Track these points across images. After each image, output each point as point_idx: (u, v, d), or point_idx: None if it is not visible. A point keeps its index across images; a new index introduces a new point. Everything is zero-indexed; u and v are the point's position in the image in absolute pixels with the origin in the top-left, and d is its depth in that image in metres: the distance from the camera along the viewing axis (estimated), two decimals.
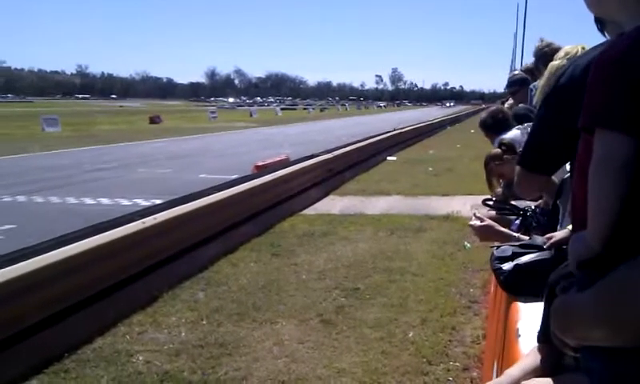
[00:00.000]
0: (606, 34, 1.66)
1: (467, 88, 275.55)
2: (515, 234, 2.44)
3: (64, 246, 4.89)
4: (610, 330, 0.86)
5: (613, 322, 0.85)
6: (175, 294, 5.84)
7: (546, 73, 2.18)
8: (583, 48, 2.18)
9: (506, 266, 1.88)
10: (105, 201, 11.30)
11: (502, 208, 2.77)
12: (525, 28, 27.52)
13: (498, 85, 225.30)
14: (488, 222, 2.60)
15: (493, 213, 2.82)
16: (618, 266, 0.84)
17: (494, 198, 3.07)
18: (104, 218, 7.35)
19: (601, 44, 1.57)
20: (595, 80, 0.91)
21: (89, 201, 11.32)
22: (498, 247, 2.02)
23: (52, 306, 4.54)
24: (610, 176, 0.88)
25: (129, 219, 6.03)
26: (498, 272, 1.92)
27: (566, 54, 2.18)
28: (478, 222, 2.63)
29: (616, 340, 0.86)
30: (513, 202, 2.81)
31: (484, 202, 3.06)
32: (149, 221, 5.93)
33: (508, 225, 2.54)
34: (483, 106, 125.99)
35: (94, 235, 5.23)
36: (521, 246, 1.92)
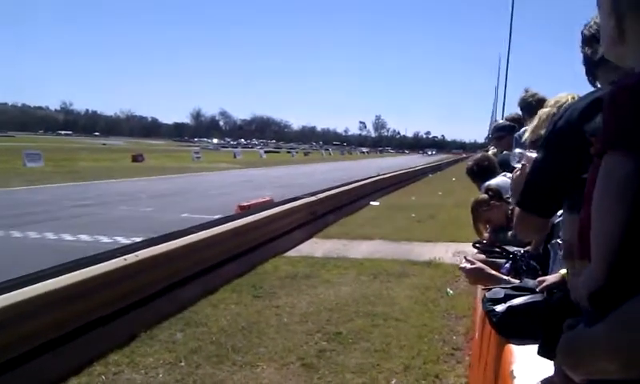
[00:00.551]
0: (598, 84, 1.72)
1: (449, 137, 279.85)
2: (505, 277, 2.44)
3: (41, 281, 4.78)
4: (623, 363, 0.84)
5: (627, 354, 0.83)
6: (154, 334, 5.70)
7: (536, 119, 2.24)
8: (573, 97, 2.25)
9: (499, 308, 1.87)
10: (84, 237, 11.12)
11: (492, 251, 2.78)
12: (506, 82, 28.32)
13: (479, 135, 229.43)
14: (479, 264, 2.60)
15: (482, 256, 2.82)
16: (630, 298, 0.83)
17: (483, 241, 3.08)
18: (82, 254, 7.22)
19: (594, 91, 1.62)
20: (609, 109, 0.95)
21: (68, 237, 11.13)
22: (490, 289, 2.01)
23: (27, 342, 4.40)
24: (613, 195, 0.90)
25: (110, 255, 5.92)
26: (490, 314, 1.90)
27: (556, 102, 2.25)
28: (468, 265, 2.63)
29: (630, 372, 0.84)
30: (502, 246, 2.82)
31: (474, 245, 3.07)
32: (130, 258, 5.84)
33: (498, 268, 2.54)
34: (464, 155, 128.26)
35: (74, 271, 5.12)
36: (513, 289, 1.92)
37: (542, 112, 2.23)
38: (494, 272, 2.54)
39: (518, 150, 2.27)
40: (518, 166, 2.12)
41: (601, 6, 1.10)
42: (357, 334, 5.84)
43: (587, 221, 0.98)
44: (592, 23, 1.62)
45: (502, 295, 1.90)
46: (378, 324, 6.13)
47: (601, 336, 0.88)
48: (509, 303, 1.85)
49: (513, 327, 1.80)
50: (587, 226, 0.98)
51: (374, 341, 5.66)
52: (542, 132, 2.14)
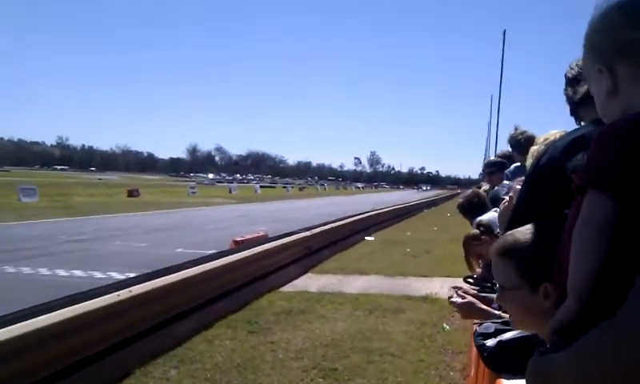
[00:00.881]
0: (582, 122, 1.79)
1: (443, 173, 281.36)
2: (497, 312, 2.45)
3: (33, 317, 4.74)
4: None
5: (588, 381, 0.87)
6: (147, 371, 5.64)
7: (529, 158, 2.30)
8: (562, 134, 2.31)
9: (490, 343, 1.88)
10: (78, 273, 11.05)
11: (484, 286, 2.79)
12: (499, 118, 28.74)
13: (473, 171, 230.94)
14: (470, 299, 2.61)
15: (474, 291, 2.83)
16: (593, 327, 0.86)
17: (475, 276, 3.09)
18: (76, 290, 7.18)
19: (577, 129, 1.67)
20: (595, 146, 0.99)
21: (62, 272, 11.06)
22: (481, 324, 2.02)
23: (18, 379, 4.34)
24: (592, 233, 0.94)
25: (103, 291, 5.88)
26: (481, 348, 1.91)
27: (545, 139, 2.31)
28: (459, 299, 2.64)
29: None
30: (493, 281, 2.83)
31: (465, 280, 3.09)
32: (124, 293, 5.80)
33: (489, 303, 2.54)
34: (459, 190, 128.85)
35: (68, 306, 5.08)
36: (504, 323, 1.93)
37: (533, 149, 2.29)
38: (485, 306, 2.55)
39: (506, 182, 2.32)
40: (506, 198, 2.16)
41: (589, 66, 1.14)
42: (353, 370, 5.79)
43: (565, 254, 1.02)
44: (574, 65, 1.68)
45: (493, 330, 1.91)
46: (374, 360, 6.09)
47: (565, 362, 0.92)
48: (499, 338, 1.86)
49: (504, 362, 1.81)
50: (565, 259, 1.02)
51: (370, 377, 5.61)
52: None
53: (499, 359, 1.84)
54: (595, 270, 0.93)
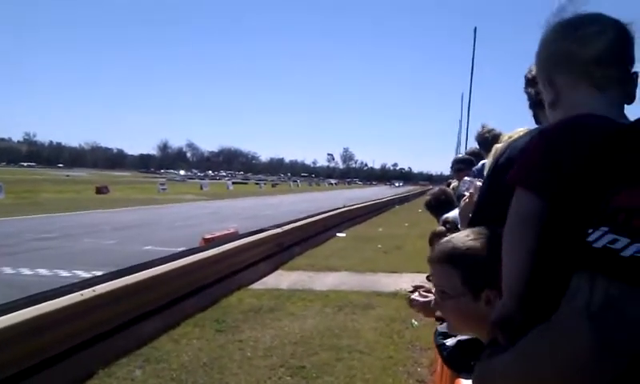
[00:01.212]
0: (541, 121, 1.79)
1: (415, 169, 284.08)
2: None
3: None
4: None
5: (531, 381, 0.88)
6: (111, 372, 5.54)
7: (491, 155, 2.31)
8: (526, 133, 2.32)
9: (449, 342, 1.86)
10: (43, 271, 10.80)
11: None
12: (469, 115, 28.99)
13: (445, 167, 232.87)
14: (430, 297, 2.59)
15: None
16: (534, 327, 0.88)
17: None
18: (39, 289, 7.01)
19: (535, 129, 1.67)
20: (528, 147, 1.06)
21: (26, 271, 10.80)
22: (442, 322, 2.01)
23: None
24: (520, 229, 1.00)
25: (67, 291, 5.74)
26: (441, 348, 1.90)
27: (510, 137, 2.32)
28: (420, 298, 2.62)
29: None
30: None
31: (428, 278, 3.07)
32: (87, 293, 5.67)
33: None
34: (430, 186, 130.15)
35: (27, 307, 4.94)
36: None
37: (496, 147, 2.30)
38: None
39: (467, 178, 2.32)
40: (466, 194, 2.15)
41: (539, 78, 1.22)
42: (321, 367, 5.77)
43: None
44: (532, 67, 1.68)
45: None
46: (343, 357, 6.08)
47: (507, 364, 0.94)
48: (458, 337, 1.84)
49: (462, 361, 1.79)
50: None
51: (338, 375, 5.60)
52: None
53: (458, 359, 1.83)
54: (524, 265, 0.98)
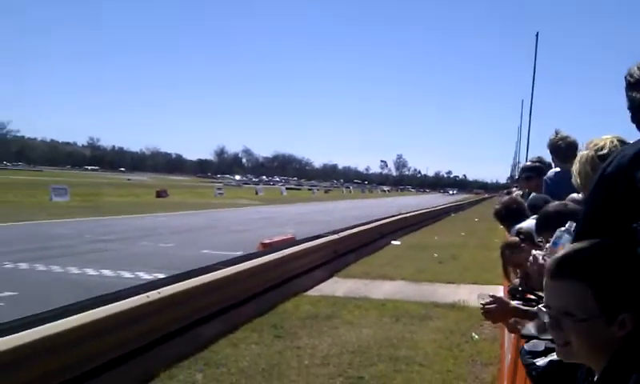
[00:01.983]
0: None
1: (470, 177, 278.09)
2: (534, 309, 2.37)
3: (65, 317, 4.78)
4: None
5: None
6: (172, 374, 5.64)
7: (576, 163, 2.23)
8: (612, 141, 2.21)
9: (540, 362, 1.78)
10: (107, 272, 11.18)
11: (529, 299, 2.67)
12: (530, 123, 28.20)
13: (500, 175, 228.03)
14: (500, 298, 2.52)
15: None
16: None
17: (519, 288, 2.97)
18: (105, 290, 7.25)
19: None
20: None
21: (91, 271, 11.21)
22: (528, 340, 1.93)
23: (46, 380, 4.37)
24: None
25: (133, 292, 5.92)
26: (530, 367, 1.82)
27: (595, 145, 2.22)
28: (490, 303, 2.54)
29: None
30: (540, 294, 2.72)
31: (510, 292, 2.97)
32: (153, 295, 5.82)
33: (534, 318, 2.44)
34: (486, 195, 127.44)
35: (97, 307, 5.12)
36: (553, 341, 1.83)
37: (582, 155, 2.21)
38: (520, 305, 2.45)
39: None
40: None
41: None
42: (379, 379, 5.71)
43: None
44: (634, 70, 1.57)
45: (543, 348, 1.81)
46: (401, 369, 5.99)
47: None
48: (550, 357, 1.75)
49: (555, 382, 1.71)
50: None
51: None
52: (583, 176, 2.11)
53: (550, 380, 1.74)
54: None
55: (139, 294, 5.79)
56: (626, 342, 1.06)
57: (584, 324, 1.08)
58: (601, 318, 1.07)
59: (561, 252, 1.18)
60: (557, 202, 2.71)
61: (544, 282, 1.20)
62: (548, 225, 2.59)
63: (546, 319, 1.17)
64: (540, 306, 1.89)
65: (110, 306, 5.23)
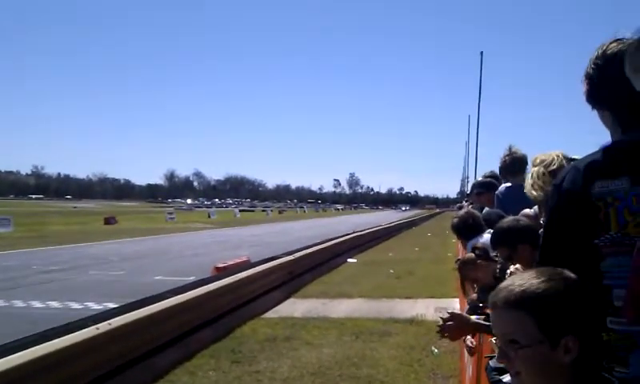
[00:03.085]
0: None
1: (421, 192, 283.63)
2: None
3: (6, 355, 4.50)
4: None
5: None
6: None
7: (529, 178, 2.32)
8: (558, 156, 2.29)
9: (506, 379, 1.75)
10: (54, 304, 10.71)
11: (483, 313, 2.67)
12: (477, 138, 28.94)
13: (450, 190, 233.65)
14: (459, 314, 2.52)
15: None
16: None
17: (480, 305, 2.97)
18: (52, 323, 6.91)
19: (591, 154, 1.52)
20: None
21: (37, 304, 10.71)
22: (492, 357, 1.90)
23: None
24: None
25: (81, 325, 5.64)
26: None
27: (542, 161, 2.30)
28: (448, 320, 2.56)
29: None
30: None
31: (470, 308, 2.97)
32: (103, 326, 5.57)
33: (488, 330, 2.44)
34: (437, 210, 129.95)
35: (42, 343, 4.84)
36: None
37: (533, 171, 2.28)
38: (481, 321, 2.46)
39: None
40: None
41: None
42: None
43: None
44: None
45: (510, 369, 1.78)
46: None
47: None
48: None
49: None
50: None
51: None
52: (538, 190, 2.16)
53: None
54: None
55: (88, 326, 5.53)
56: (577, 369, 1.11)
57: (528, 350, 1.11)
58: (544, 343, 1.10)
59: (501, 285, 1.20)
60: (510, 218, 2.77)
61: (490, 314, 1.24)
62: (502, 240, 2.64)
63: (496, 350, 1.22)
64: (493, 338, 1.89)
65: (56, 340, 4.96)
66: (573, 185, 1.46)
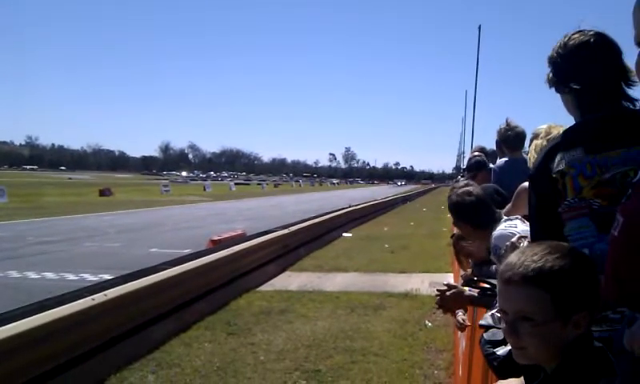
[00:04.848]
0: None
1: (417, 168, 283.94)
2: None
3: (3, 325, 4.51)
4: None
5: None
6: (123, 377, 5.45)
7: (532, 153, 2.36)
8: (558, 130, 2.30)
9: (500, 352, 1.74)
10: (50, 275, 10.72)
11: (483, 288, 2.67)
12: (474, 113, 28.78)
13: (446, 166, 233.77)
14: (455, 286, 2.54)
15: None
16: None
17: (475, 279, 2.97)
18: (48, 293, 6.94)
19: (556, 138, 1.73)
20: None
21: (33, 275, 10.72)
22: (487, 329, 1.90)
23: None
24: None
25: (77, 295, 5.65)
26: (490, 357, 1.78)
27: (547, 134, 2.30)
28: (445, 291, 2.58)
29: None
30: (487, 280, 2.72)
31: (464, 282, 2.97)
32: (98, 297, 5.58)
33: (488, 306, 2.43)
34: (433, 185, 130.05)
35: (38, 313, 4.85)
36: None
37: (536, 144, 2.29)
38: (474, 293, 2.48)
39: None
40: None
41: None
42: (336, 371, 5.67)
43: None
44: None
45: (502, 337, 1.78)
46: (358, 360, 5.97)
47: None
48: (510, 346, 1.73)
49: (516, 372, 1.69)
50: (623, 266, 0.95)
51: (354, 378, 5.50)
52: None
53: (512, 369, 1.72)
54: None
55: (84, 296, 5.54)
56: (576, 340, 1.12)
57: (543, 327, 1.11)
58: (556, 321, 1.10)
59: (513, 259, 1.17)
60: (464, 190, 2.76)
61: (497, 288, 1.21)
62: (451, 212, 2.72)
63: (502, 325, 1.20)
64: (494, 311, 1.89)
65: (52, 310, 4.97)
66: (539, 163, 1.69)
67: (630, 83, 1.63)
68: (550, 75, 1.74)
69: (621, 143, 1.54)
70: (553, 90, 1.76)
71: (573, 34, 1.69)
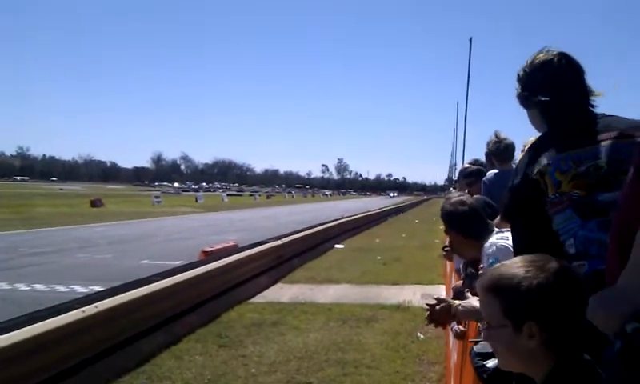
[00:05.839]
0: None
1: (410, 179, 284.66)
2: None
3: None
4: None
5: None
6: None
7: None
8: None
9: (490, 364, 1.76)
10: (40, 287, 10.64)
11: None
12: (466, 125, 28.88)
13: (438, 177, 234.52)
14: (445, 299, 2.54)
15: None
16: None
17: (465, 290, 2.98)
18: (38, 305, 6.88)
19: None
20: None
21: (22, 287, 10.64)
22: (477, 343, 1.91)
23: None
24: None
25: (68, 307, 5.61)
26: (480, 370, 1.79)
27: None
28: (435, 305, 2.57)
29: None
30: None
31: (454, 294, 2.98)
32: (89, 309, 5.54)
33: (480, 319, 2.45)
34: (425, 196, 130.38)
35: (28, 325, 4.81)
36: None
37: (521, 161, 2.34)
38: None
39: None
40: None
41: None
42: (328, 383, 5.65)
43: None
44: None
45: (492, 349, 1.79)
46: (350, 372, 5.96)
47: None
48: None
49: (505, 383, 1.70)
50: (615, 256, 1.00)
51: None
52: None
53: (501, 381, 1.73)
54: None
55: (75, 308, 5.50)
56: (561, 358, 1.15)
57: (494, 331, 1.19)
58: (507, 327, 1.16)
59: (487, 270, 1.33)
60: (457, 200, 2.79)
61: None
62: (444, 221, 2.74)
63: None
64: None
65: (42, 323, 4.92)
66: (518, 173, 1.80)
67: (591, 106, 1.80)
68: (519, 90, 1.90)
69: (590, 141, 1.68)
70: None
71: (538, 54, 1.86)
